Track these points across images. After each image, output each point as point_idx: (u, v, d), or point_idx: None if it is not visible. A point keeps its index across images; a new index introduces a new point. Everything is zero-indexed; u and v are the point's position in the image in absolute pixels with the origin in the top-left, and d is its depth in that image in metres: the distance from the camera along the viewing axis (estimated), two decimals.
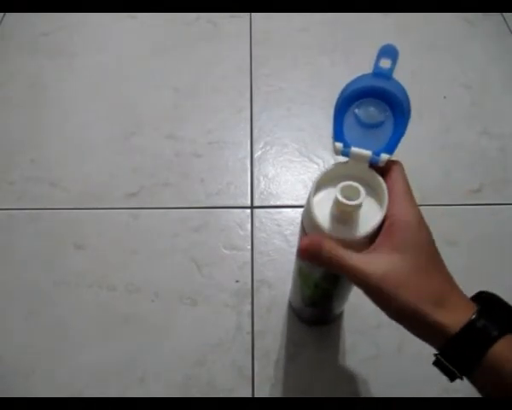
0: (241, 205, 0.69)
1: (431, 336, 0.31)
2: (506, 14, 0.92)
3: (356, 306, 0.59)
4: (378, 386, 0.55)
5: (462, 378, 0.31)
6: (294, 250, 0.65)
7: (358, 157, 0.34)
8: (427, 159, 0.74)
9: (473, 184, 0.71)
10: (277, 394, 0.55)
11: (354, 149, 0.34)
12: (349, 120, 0.36)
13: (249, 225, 0.67)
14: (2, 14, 0.93)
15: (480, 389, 0.30)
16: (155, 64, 0.85)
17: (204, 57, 0.86)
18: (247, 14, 0.92)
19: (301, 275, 0.46)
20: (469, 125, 0.78)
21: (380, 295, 0.30)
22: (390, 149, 0.36)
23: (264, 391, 0.55)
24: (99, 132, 0.77)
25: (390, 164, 0.35)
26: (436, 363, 0.32)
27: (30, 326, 0.60)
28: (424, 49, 0.87)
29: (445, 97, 0.81)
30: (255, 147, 0.75)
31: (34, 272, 0.64)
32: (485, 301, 0.31)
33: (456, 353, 0.29)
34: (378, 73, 0.37)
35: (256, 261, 0.64)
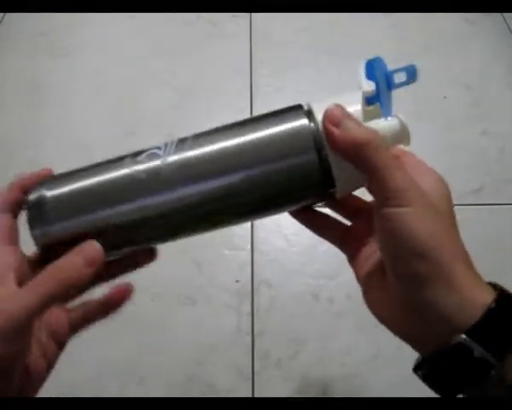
0: None
1: (460, 308, 0.23)
2: (506, 14, 0.92)
3: (356, 306, 0.59)
4: (378, 386, 0.55)
5: (486, 376, 0.23)
6: (295, 250, 0.66)
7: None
8: (427, 159, 0.73)
9: (473, 184, 0.71)
10: (277, 394, 0.55)
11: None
12: None
13: (249, 225, 0.67)
14: (2, 14, 0.93)
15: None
16: (155, 64, 0.85)
17: (204, 57, 0.86)
18: (247, 14, 0.92)
19: None
20: (469, 125, 0.78)
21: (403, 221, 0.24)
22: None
23: (264, 391, 0.55)
24: (99, 132, 0.77)
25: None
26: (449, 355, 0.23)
27: None
28: (424, 49, 0.87)
29: (445, 97, 0.81)
30: None
31: None
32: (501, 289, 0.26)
33: (494, 328, 0.23)
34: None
35: (256, 261, 0.64)
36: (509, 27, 0.91)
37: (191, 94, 0.81)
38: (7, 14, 0.93)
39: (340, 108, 0.26)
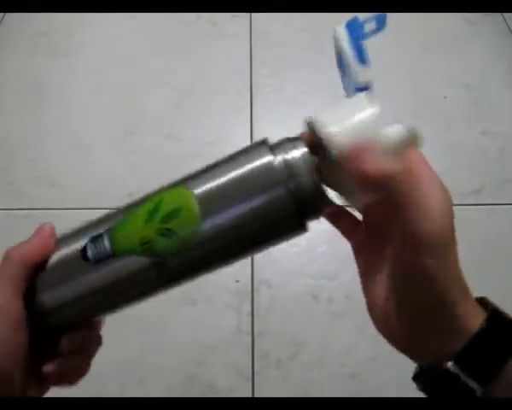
0: None
1: (449, 333, 0.25)
2: (506, 14, 0.92)
3: (356, 306, 0.59)
4: (378, 386, 0.55)
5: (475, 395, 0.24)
6: (294, 250, 0.66)
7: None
8: (427, 159, 0.74)
9: (473, 184, 0.71)
10: (277, 394, 0.55)
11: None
12: None
13: None
14: (2, 14, 0.93)
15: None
16: (155, 64, 0.85)
17: (204, 57, 0.86)
18: (247, 14, 0.92)
19: None
20: (469, 125, 0.78)
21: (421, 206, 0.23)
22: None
23: (264, 391, 0.55)
24: (99, 132, 0.77)
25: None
26: (439, 376, 0.25)
27: None
28: (424, 49, 0.87)
29: (445, 97, 0.81)
30: None
31: None
32: (492, 307, 0.26)
33: (479, 354, 0.24)
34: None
35: (256, 261, 0.64)
36: (509, 27, 0.91)
37: (191, 94, 0.81)
38: (7, 14, 0.93)
39: (358, 145, 0.25)
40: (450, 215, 0.24)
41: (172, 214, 0.24)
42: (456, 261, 0.26)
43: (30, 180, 0.72)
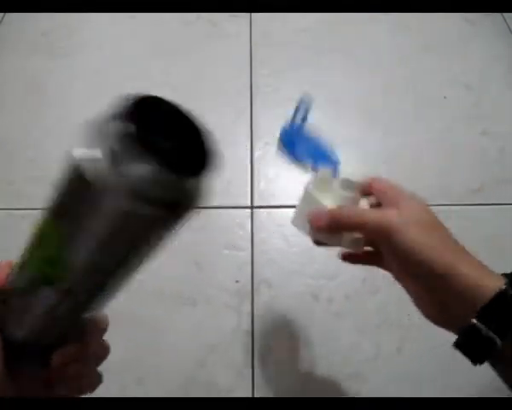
0: (241, 205, 0.69)
1: (465, 296, 0.29)
2: (506, 14, 0.92)
3: (356, 306, 0.59)
4: (378, 386, 0.55)
5: (494, 354, 0.28)
6: (294, 250, 0.65)
7: (325, 175, 0.42)
8: (427, 159, 0.74)
9: (473, 184, 0.71)
10: (277, 394, 0.55)
11: (321, 169, 0.43)
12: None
13: (249, 225, 0.67)
14: (2, 14, 0.93)
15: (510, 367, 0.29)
16: (155, 64, 0.85)
17: (204, 57, 0.86)
18: (247, 14, 0.92)
19: None
20: (469, 125, 0.78)
21: (406, 238, 0.31)
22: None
23: (264, 391, 0.55)
24: None
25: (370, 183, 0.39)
26: (466, 335, 0.29)
27: None
28: (424, 49, 0.87)
29: (445, 97, 0.81)
30: (255, 147, 0.75)
31: None
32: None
33: (500, 311, 0.28)
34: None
35: (256, 261, 0.64)
36: (509, 27, 0.91)
37: (191, 94, 0.81)
38: (7, 14, 0.93)
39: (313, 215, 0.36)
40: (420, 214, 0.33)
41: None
42: (440, 238, 0.34)
43: (30, 180, 0.72)
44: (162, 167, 0.18)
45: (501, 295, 0.28)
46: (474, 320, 0.28)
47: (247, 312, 0.60)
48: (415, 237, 0.31)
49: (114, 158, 0.18)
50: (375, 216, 0.32)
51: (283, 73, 0.84)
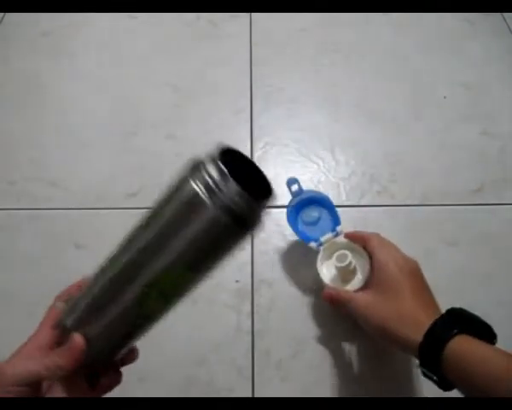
0: None
1: (407, 349, 0.42)
2: (506, 14, 0.92)
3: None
4: (378, 386, 0.55)
5: (443, 385, 0.39)
6: (294, 250, 0.65)
7: (329, 239, 0.57)
8: (427, 159, 0.74)
9: (473, 184, 0.71)
10: (277, 394, 0.55)
11: (324, 238, 0.58)
12: (301, 226, 0.60)
13: None
14: (2, 14, 0.93)
15: (458, 388, 0.38)
16: (155, 64, 0.85)
17: (204, 57, 0.86)
18: (247, 14, 0.92)
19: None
20: (469, 125, 0.78)
21: (363, 318, 0.48)
22: (337, 221, 0.58)
23: (264, 391, 0.55)
24: (99, 132, 0.77)
25: (366, 236, 0.53)
26: (423, 374, 0.41)
27: (30, 327, 0.60)
28: (424, 49, 0.87)
29: (445, 97, 0.81)
30: (255, 147, 0.75)
31: (34, 272, 0.64)
32: (448, 312, 0.42)
33: (424, 355, 0.39)
34: (296, 193, 0.61)
35: (256, 261, 0.64)
36: (509, 27, 0.91)
37: (191, 94, 0.81)
38: (7, 14, 0.93)
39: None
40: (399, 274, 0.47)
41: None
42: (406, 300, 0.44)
43: (30, 180, 0.72)
44: (250, 197, 0.27)
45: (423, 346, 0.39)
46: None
47: (247, 312, 0.60)
48: (374, 314, 0.47)
49: (216, 188, 0.26)
50: (350, 298, 0.50)
51: (283, 73, 0.84)
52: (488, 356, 0.35)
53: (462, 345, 0.37)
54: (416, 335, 0.40)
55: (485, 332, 0.39)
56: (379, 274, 0.48)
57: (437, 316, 0.41)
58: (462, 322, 0.39)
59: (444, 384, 0.39)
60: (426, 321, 0.40)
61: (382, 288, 0.46)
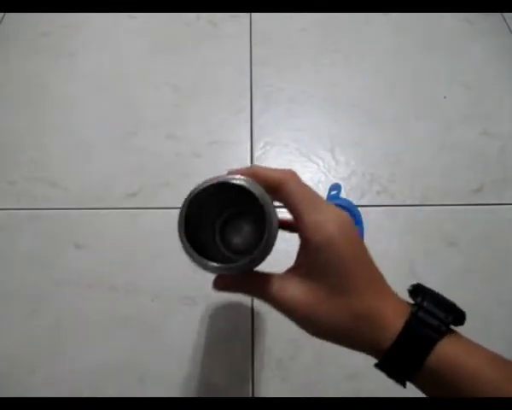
0: None
1: (367, 351, 0.30)
2: (506, 14, 0.92)
3: None
4: (378, 386, 0.55)
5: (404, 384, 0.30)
6: (294, 250, 0.65)
7: None
8: (427, 159, 0.74)
9: (473, 184, 0.71)
10: (277, 394, 0.55)
11: None
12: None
13: None
14: (2, 14, 0.93)
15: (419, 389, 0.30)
16: (155, 64, 0.85)
17: (204, 57, 0.86)
18: (247, 14, 0.92)
19: None
20: (469, 125, 0.78)
21: (298, 322, 0.31)
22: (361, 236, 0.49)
23: (264, 391, 0.55)
24: (99, 132, 0.77)
25: (279, 178, 0.31)
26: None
27: (30, 326, 0.60)
28: (424, 49, 0.87)
29: (445, 97, 0.81)
30: (255, 147, 0.75)
31: (34, 272, 0.64)
32: (418, 305, 0.29)
33: (394, 367, 0.29)
34: (331, 196, 0.66)
35: None
36: (509, 27, 0.91)
37: (191, 94, 0.81)
38: (7, 14, 0.93)
39: None
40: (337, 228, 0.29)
41: None
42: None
43: (30, 180, 0.72)
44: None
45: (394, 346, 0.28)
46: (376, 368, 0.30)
47: (247, 312, 0.60)
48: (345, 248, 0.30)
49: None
50: (275, 296, 0.36)
51: (283, 73, 0.84)
52: (479, 372, 0.27)
53: (447, 355, 0.27)
54: (380, 338, 0.28)
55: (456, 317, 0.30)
56: (315, 252, 0.30)
57: (399, 304, 0.30)
58: (441, 310, 0.29)
59: (404, 384, 0.31)
60: (391, 317, 0.29)
61: (319, 274, 0.30)
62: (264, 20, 0.91)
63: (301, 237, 0.31)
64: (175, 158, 0.73)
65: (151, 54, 0.87)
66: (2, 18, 0.92)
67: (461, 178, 0.72)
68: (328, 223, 0.29)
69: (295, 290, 0.31)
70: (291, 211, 0.31)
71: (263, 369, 0.56)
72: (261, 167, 0.31)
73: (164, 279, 0.63)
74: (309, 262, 0.31)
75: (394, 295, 0.30)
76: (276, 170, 0.31)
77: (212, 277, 0.34)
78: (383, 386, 0.56)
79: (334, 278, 0.29)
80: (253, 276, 0.33)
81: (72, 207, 0.69)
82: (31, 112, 0.80)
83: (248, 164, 0.73)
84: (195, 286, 0.62)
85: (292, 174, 0.31)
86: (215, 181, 0.31)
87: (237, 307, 0.60)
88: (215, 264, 0.31)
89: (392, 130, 0.77)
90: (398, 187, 0.70)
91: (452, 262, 0.63)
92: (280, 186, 0.30)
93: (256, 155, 0.74)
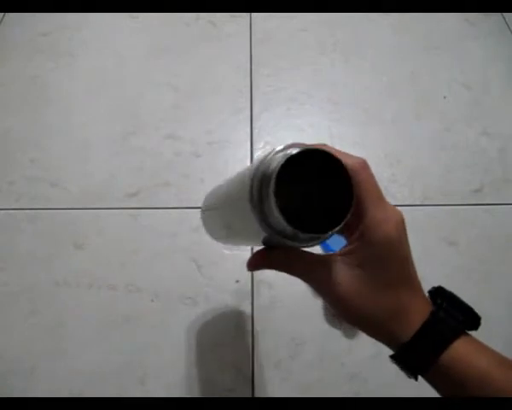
0: None
1: (386, 342, 0.32)
2: (506, 14, 0.92)
3: None
4: (378, 386, 0.55)
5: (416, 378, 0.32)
6: None
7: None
8: (427, 159, 0.74)
9: (473, 184, 0.71)
10: (277, 394, 0.55)
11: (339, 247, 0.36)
12: None
13: None
14: (2, 14, 0.93)
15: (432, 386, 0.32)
16: (155, 64, 0.85)
17: (204, 57, 0.86)
18: (247, 14, 0.92)
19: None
20: (469, 126, 0.78)
21: (341, 307, 0.31)
22: None
23: (264, 391, 0.55)
24: (99, 132, 0.77)
25: (352, 164, 0.32)
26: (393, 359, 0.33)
27: (30, 326, 0.60)
28: (424, 49, 0.87)
29: (445, 97, 0.81)
30: (255, 147, 0.75)
31: (34, 272, 0.64)
32: (439, 305, 0.31)
33: (408, 360, 0.31)
34: None
35: None
36: (509, 27, 0.91)
37: (191, 94, 0.81)
38: (7, 14, 0.93)
39: None
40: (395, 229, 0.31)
41: None
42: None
43: (30, 180, 0.72)
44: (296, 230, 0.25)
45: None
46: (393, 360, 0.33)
47: (247, 312, 0.60)
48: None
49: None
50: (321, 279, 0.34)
51: (283, 73, 0.84)
52: (489, 373, 0.29)
53: (460, 354, 0.29)
54: (402, 332, 0.30)
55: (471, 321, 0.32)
56: (377, 246, 0.30)
57: (425, 303, 0.31)
58: (459, 313, 0.31)
59: (416, 377, 0.32)
60: (416, 314, 0.31)
61: (371, 267, 0.31)
62: (264, 20, 0.91)
63: (360, 228, 0.31)
64: (175, 158, 0.73)
65: (151, 54, 0.87)
66: (3, 18, 0.92)
67: (461, 178, 0.72)
68: (389, 222, 0.31)
69: (344, 277, 0.31)
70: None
71: (263, 369, 0.56)
72: (334, 149, 0.32)
73: (164, 279, 0.63)
74: (363, 254, 0.31)
75: (423, 294, 0.32)
76: (349, 155, 0.33)
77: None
78: (383, 386, 0.56)
79: (385, 273, 0.31)
80: (302, 254, 0.33)
81: (72, 207, 0.69)
82: (31, 112, 0.80)
83: (248, 164, 0.73)
84: (195, 286, 0.62)
85: (365, 164, 0.33)
86: (310, 146, 0.28)
87: (237, 307, 0.60)
88: (308, 235, 0.27)
89: (392, 130, 0.77)
90: (399, 187, 0.70)
91: (452, 262, 0.63)
92: (351, 173, 0.29)
93: (256, 155, 0.74)
